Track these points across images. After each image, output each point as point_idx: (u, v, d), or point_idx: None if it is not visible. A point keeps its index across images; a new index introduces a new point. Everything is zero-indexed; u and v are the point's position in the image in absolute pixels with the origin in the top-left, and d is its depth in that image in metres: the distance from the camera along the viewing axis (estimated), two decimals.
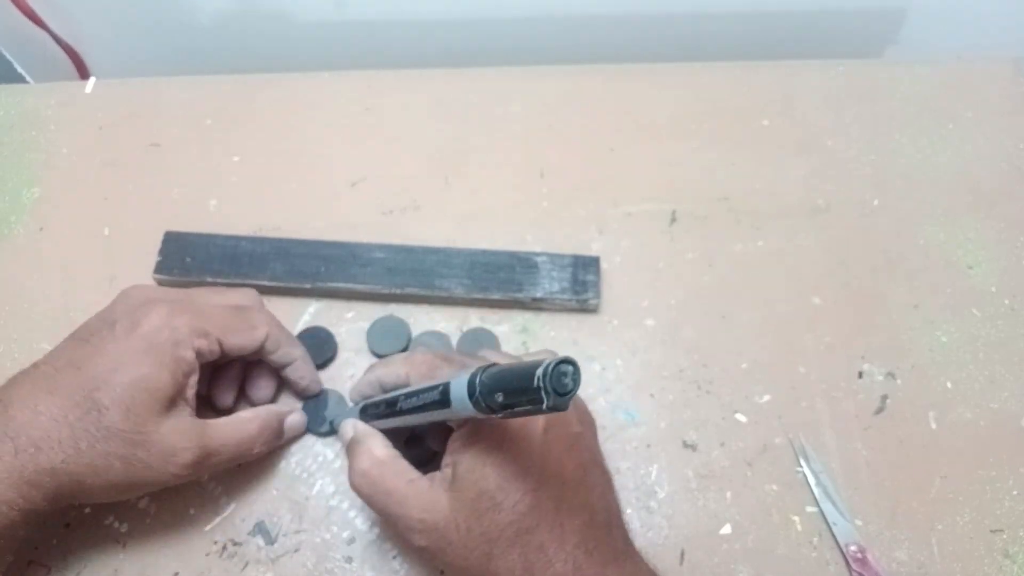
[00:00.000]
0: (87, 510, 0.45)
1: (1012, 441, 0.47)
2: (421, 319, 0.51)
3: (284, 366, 0.45)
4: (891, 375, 0.50)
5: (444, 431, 0.38)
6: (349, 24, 0.70)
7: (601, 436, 0.46)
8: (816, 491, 0.46)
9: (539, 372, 0.28)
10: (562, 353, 0.34)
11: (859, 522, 0.45)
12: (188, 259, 0.52)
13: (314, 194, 0.56)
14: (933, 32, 0.70)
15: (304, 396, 0.47)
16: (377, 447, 0.39)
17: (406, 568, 0.44)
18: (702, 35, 0.70)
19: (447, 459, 0.37)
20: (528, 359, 0.41)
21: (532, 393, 0.28)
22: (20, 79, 0.75)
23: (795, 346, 0.50)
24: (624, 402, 0.49)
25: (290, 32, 0.71)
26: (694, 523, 0.45)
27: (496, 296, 0.51)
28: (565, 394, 0.28)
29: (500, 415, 0.30)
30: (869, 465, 0.47)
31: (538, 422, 0.36)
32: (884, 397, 0.49)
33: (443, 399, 0.33)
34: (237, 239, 0.53)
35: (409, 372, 0.39)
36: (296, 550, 0.44)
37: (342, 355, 0.50)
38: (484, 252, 0.52)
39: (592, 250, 0.53)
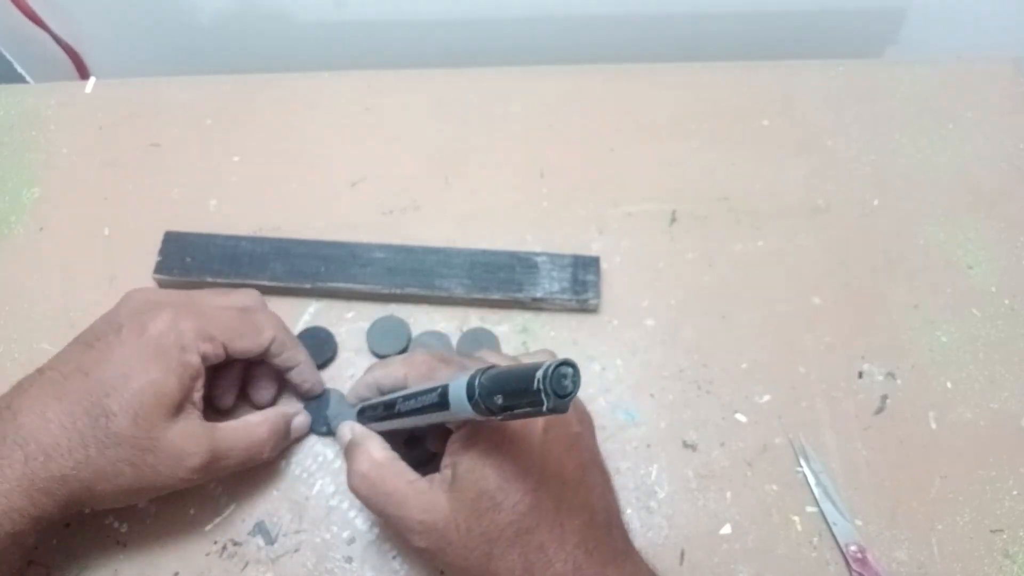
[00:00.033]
0: (87, 510, 0.45)
1: (1012, 441, 0.47)
2: (421, 319, 0.51)
3: (288, 369, 0.45)
4: (891, 375, 0.50)
5: (443, 432, 0.38)
6: (349, 24, 0.70)
7: (601, 436, 0.47)
8: (816, 491, 0.46)
9: (539, 374, 0.28)
10: (562, 354, 0.34)
11: (859, 522, 0.45)
12: (188, 259, 0.52)
13: (314, 194, 0.56)
14: (933, 32, 0.70)
15: (307, 398, 0.47)
16: (375, 449, 0.39)
17: (406, 568, 0.44)
18: (702, 35, 0.70)
19: (446, 460, 0.37)
20: (527, 359, 0.41)
21: (532, 395, 0.28)
22: (20, 79, 0.75)
23: (795, 346, 0.50)
24: (624, 402, 0.49)
25: (290, 32, 0.71)
26: (694, 523, 0.45)
27: (496, 296, 0.51)
28: (565, 396, 0.28)
29: (499, 417, 0.30)
30: (869, 465, 0.47)
31: (538, 423, 0.36)
32: (884, 397, 0.49)
33: (442, 401, 0.33)
34: (237, 239, 0.53)
35: (407, 374, 0.39)
36: (296, 550, 0.44)
37: (342, 355, 0.50)
38: (484, 252, 0.52)
39: (592, 250, 0.53)
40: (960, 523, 0.45)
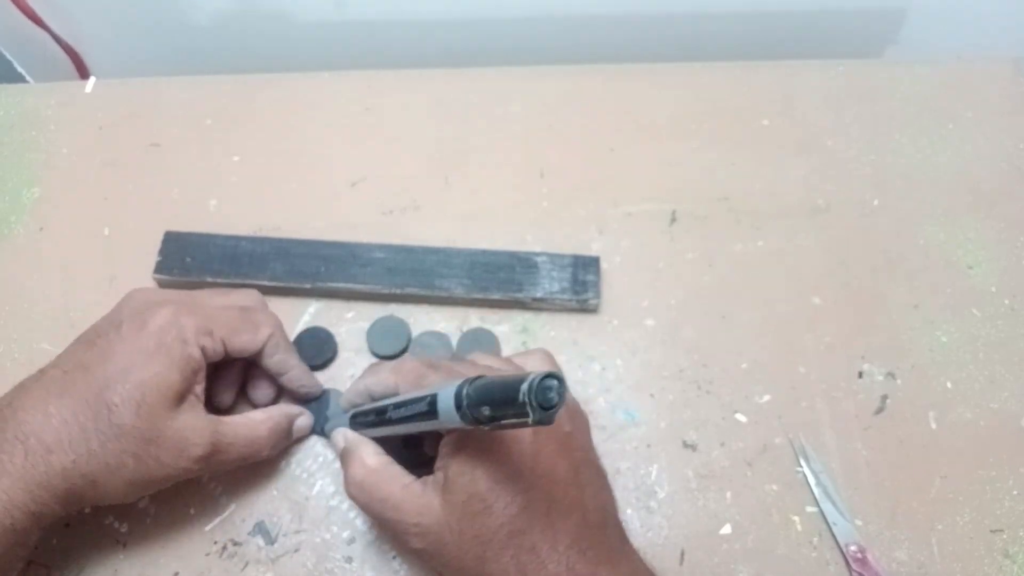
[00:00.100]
0: (87, 510, 0.45)
1: (1012, 441, 0.47)
2: (421, 319, 0.51)
3: (282, 374, 0.45)
4: (891, 375, 0.50)
5: (439, 435, 0.38)
6: (349, 24, 0.70)
7: (601, 436, 0.47)
8: (816, 491, 0.46)
9: (524, 387, 0.28)
10: (562, 354, 0.34)
11: (859, 522, 0.45)
12: (188, 259, 0.52)
13: (314, 194, 0.56)
14: (933, 32, 0.70)
15: (305, 401, 0.47)
16: (368, 456, 0.39)
17: (406, 568, 0.44)
18: (702, 35, 0.70)
19: (439, 463, 0.37)
20: (519, 359, 0.41)
21: (517, 407, 0.28)
22: (20, 79, 0.75)
23: (795, 346, 0.50)
24: (624, 402, 0.49)
25: (290, 32, 0.71)
26: (694, 523, 0.45)
27: (496, 296, 0.51)
28: (550, 408, 0.28)
29: (487, 427, 0.31)
30: (869, 465, 0.47)
31: None
32: (884, 397, 0.49)
33: (431, 410, 0.33)
34: (237, 239, 0.53)
35: (397, 381, 0.39)
36: (296, 550, 0.44)
37: (342, 355, 0.50)
38: (484, 252, 0.52)
39: (592, 250, 0.53)
40: (960, 523, 0.45)
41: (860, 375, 0.50)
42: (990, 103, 0.61)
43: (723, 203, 0.56)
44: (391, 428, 0.38)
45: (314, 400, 0.47)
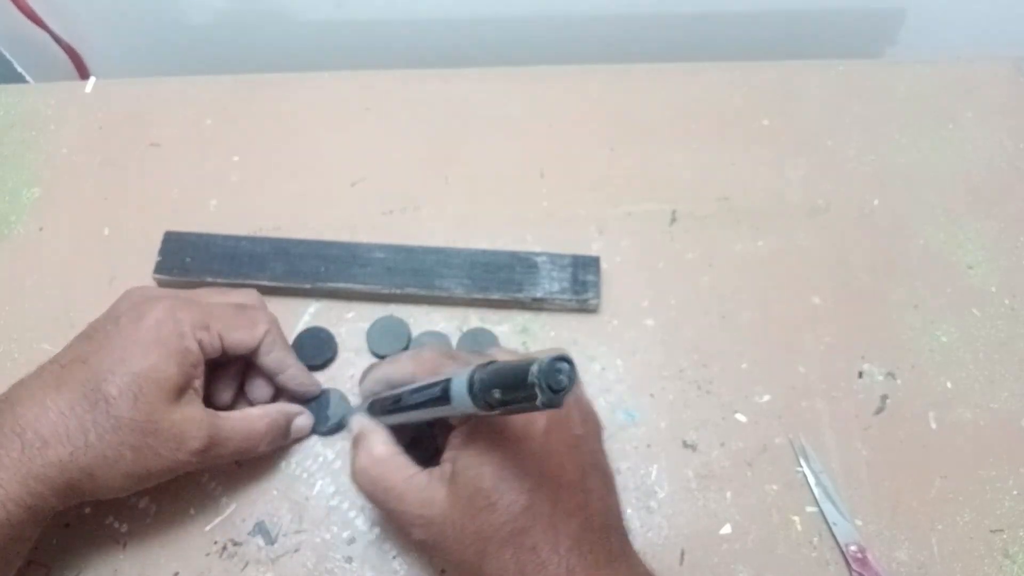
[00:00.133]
0: (87, 510, 0.45)
1: (1012, 441, 0.47)
2: (421, 319, 0.51)
3: (277, 372, 0.45)
4: (891, 375, 0.50)
5: (450, 427, 0.39)
6: (349, 24, 0.70)
7: None
8: (816, 491, 0.46)
9: (534, 368, 0.28)
10: (577, 350, 0.34)
11: (859, 522, 0.45)
12: (188, 259, 0.52)
13: (314, 194, 0.56)
14: (933, 32, 0.70)
15: (303, 401, 0.47)
16: (377, 444, 0.39)
17: (406, 568, 0.44)
18: (702, 35, 0.70)
19: (446, 455, 0.37)
20: (529, 357, 0.41)
21: (527, 389, 0.28)
22: (20, 79, 0.75)
23: (795, 346, 0.50)
24: (624, 402, 0.49)
25: (290, 32, 0.71)
26: (694, 523, 0.45)
27: (496, 296, 0.51)
28: (559, 391, 0.28)
29: (498, 411, 0.31)
30: (869, 465, 0.47)
31: (539, 423, 0.36)
32: (884, 397, 0.49)
33: (444, 395, 0.33)
34: (237, 239, 0.53)
35: (415, 370, 0.40)
36: (296, 550, 0.44)
37: (342, 355, 0.50)
38: (484, 252, 0.52)
39: (592, 250, 0.53)
40: (960, 523, 0.45)
41: (860, 375, 0.50)
42: (990, 103, 0.61)
43: (723, 203, 0.56)
44: (405, 415, 0.38)
45: (313, 400, 0.47)
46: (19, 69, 0.75)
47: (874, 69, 0.63)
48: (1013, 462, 0.47)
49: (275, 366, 0.45)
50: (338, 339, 0.50)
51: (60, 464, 0.36)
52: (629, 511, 0.45)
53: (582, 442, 0.37)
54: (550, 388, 0.28)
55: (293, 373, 0.45)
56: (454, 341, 0.50)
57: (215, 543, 0.44)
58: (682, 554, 0.44)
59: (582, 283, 0.51)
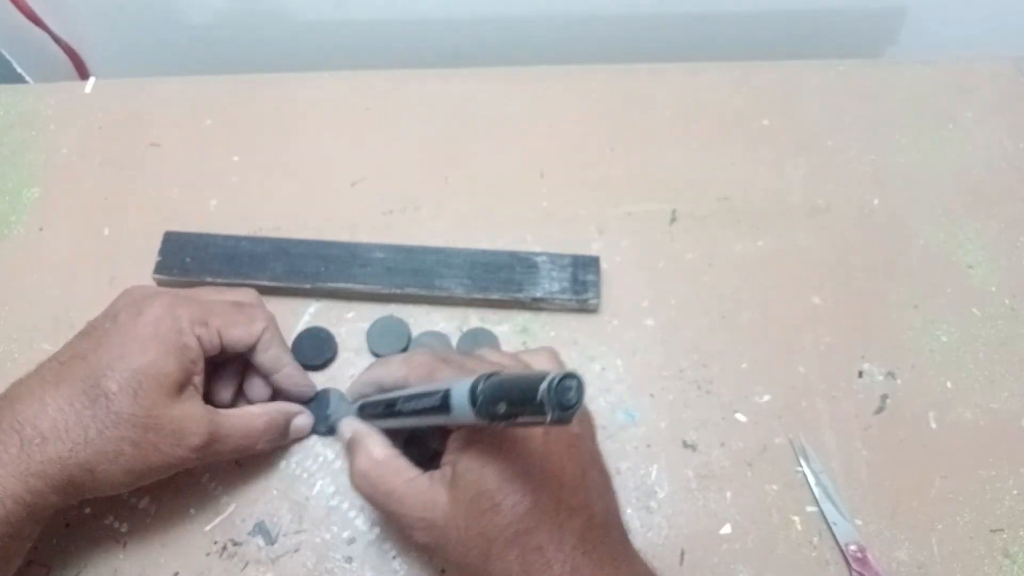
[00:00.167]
0: (87, 510, 0.45)
1: (1012, 441, 0.47)
2: (421, 319, 0.51)
3: (274, 372, 0.45)
4: (891, 375, 0.50)
5: (445, 430, 0.38)
6: (349, 24, 0.70)
7: (601, 436, 0.46)
8: (816, 491, 0.46)
9: (543, 386, 0.28)
10: (562, 354, 0.34)
11: (859, 522, 0.45)
12: (188, 259, 0.52)
13: (314, 194, 0.56)
14: (933, 32, 0.70)
15: (299, 401, 0.47)
16: (375, 447, 0.39)
17: (406, 568, 0.44)
18: (702, 35, 0.70)
19: (447, 458, 0.37)
20: (526, 356, 0.41)
21: (535, 406, 0.28)
22: (20, 79, 0.75)
23: (795, 346, 0.50)
24: (624, 402, 0.49)
25: (290, 32, 0.71)
26: (694, 523, 0.45)
27: (496, 296, 0.51)
28: (569, 408, 0.28)
29: (501, 424, 0.30)
30: (869, 465, 0.47)
31: None
32: (884, 397, 0.49)
33: (443, 405, 0.33)
34: (237, 239, 0.53)
35: (408, 374, 0.39)
36: (296, 550, 0.44)
37: (342, 355, 0.50)
38: (484, 252, 0.52)
39: (592, 250, 0.53)
40: (960, 523, 0.45)
41: (860, 375, 0.50)
42: (990, 103, 0.61)
43: (723, 203, 0.56)
44: (400, 420, 0.38)
45: (313, 400, 0.47)
46: (19, 69, 0.75)
47: (874, 69, 0.63)
48: (1013, 462, 0.47)
49: (271, 364, 0.45)
50: (338, 339, 0.50)
51: (60, 460, 0.36)
52: (629, 511, 0.45)
53: (580, 441, 0.37)
54: (559, 406, 0.28)
55: (289, 372, 0.45)
56: (454, 341, 0.50)
57: (215, 543, 0.44)
58: (682, 554, 0.44)
59: (582, 283, 0.51)
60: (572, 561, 0.34)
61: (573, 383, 0.28)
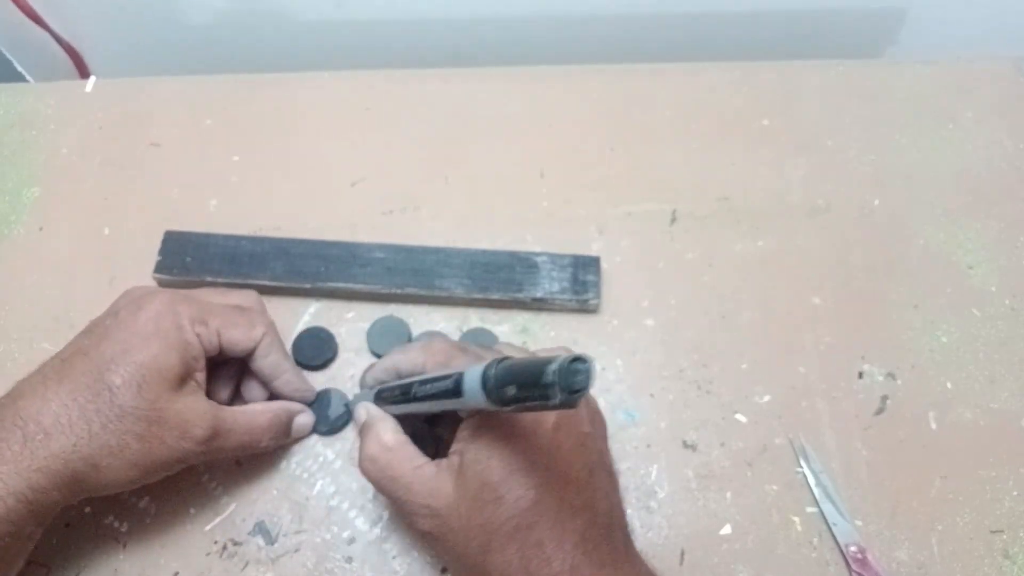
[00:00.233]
0: (87, 510, 0.45)
1: (1012, 441, 0.47)
2: (421, 319, 0.51)
3: (272, 379, 0.45)
4: (891, 375, 0.50)
5: (454, 418, 0.39)
6: (349, 24, 0.70)
7: None
8: (816, 491, 0.46)
9: (551, 368, 0.28)
10: (578, 350, 0.34)
11: (859, 522, 0.45)
12: (188, 259, 0.52)
13: (314, 194, 0.56)
14: (933, 32, 0.70)
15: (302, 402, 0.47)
16: (386, 432, 0.39)
17: (406, 568, 0.44)
18: (702, 35, 0.70)
19: (455, 447, 0.37)
20: (542, 355, 0.41)
21: (543, 388, 0.28)
22: (20, 79, 0.75)
23: (795, 346, 0.50)
24: (624, 402, 0.49)
25: (290, 32, 0.71)
26: (694, 523, 0.45)
27: (496, 296, 0.51)
28: (576, 391, 0.28)
29: (511, 408, 0.31)
30: (869, 465, 0.47)
31: (548, 419, 0.36)
32: (884, 397, 0.49)
33: (456, 388, 0.33)
34: (237, 239, 0.53)
35: (426, 360, 0.40)
36: (296, 550, 0.44)
37: (342, 355, 0.50)
38: (484, 252, 0.52)
39: (592, 250, 0.53)
40: (960, 523, 0.45)
41: (860, 375, 0.50)
42: (990, 103, 0.61)
43: (723, 203, 0.56)
44: (414, 405, 0.38)
45: (313, 401, 0.47)
46: (19, 69, 0.75)
47: (874, 69, 0.63)
48: (1013, 462, 0.47)
49: (270, 371, 0.45)
50: (338, 339, 0.50)
51: (63, 455, 0.36)
52: (629, 511, 0.45)
53: (590, 440, 0.37)
54: (567, 389, 0.28)
55: (288, 379, 0.45)
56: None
57: (215, 543, 0.44)
58: (682, 554, 0.44)
59: (582, 283, 0.51)
60: (572, 560, 0.34)
61: (582, 367, 0.28)
